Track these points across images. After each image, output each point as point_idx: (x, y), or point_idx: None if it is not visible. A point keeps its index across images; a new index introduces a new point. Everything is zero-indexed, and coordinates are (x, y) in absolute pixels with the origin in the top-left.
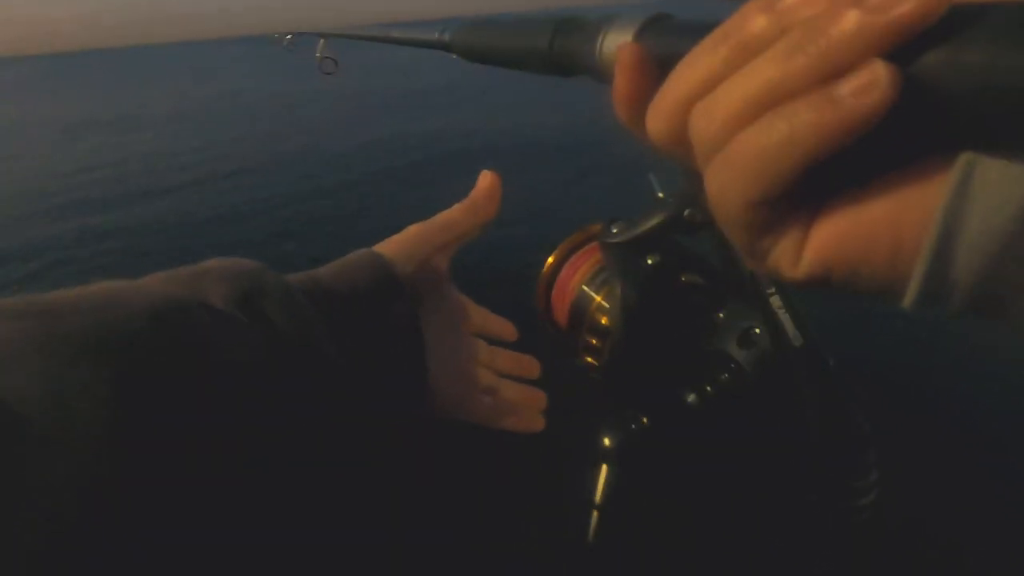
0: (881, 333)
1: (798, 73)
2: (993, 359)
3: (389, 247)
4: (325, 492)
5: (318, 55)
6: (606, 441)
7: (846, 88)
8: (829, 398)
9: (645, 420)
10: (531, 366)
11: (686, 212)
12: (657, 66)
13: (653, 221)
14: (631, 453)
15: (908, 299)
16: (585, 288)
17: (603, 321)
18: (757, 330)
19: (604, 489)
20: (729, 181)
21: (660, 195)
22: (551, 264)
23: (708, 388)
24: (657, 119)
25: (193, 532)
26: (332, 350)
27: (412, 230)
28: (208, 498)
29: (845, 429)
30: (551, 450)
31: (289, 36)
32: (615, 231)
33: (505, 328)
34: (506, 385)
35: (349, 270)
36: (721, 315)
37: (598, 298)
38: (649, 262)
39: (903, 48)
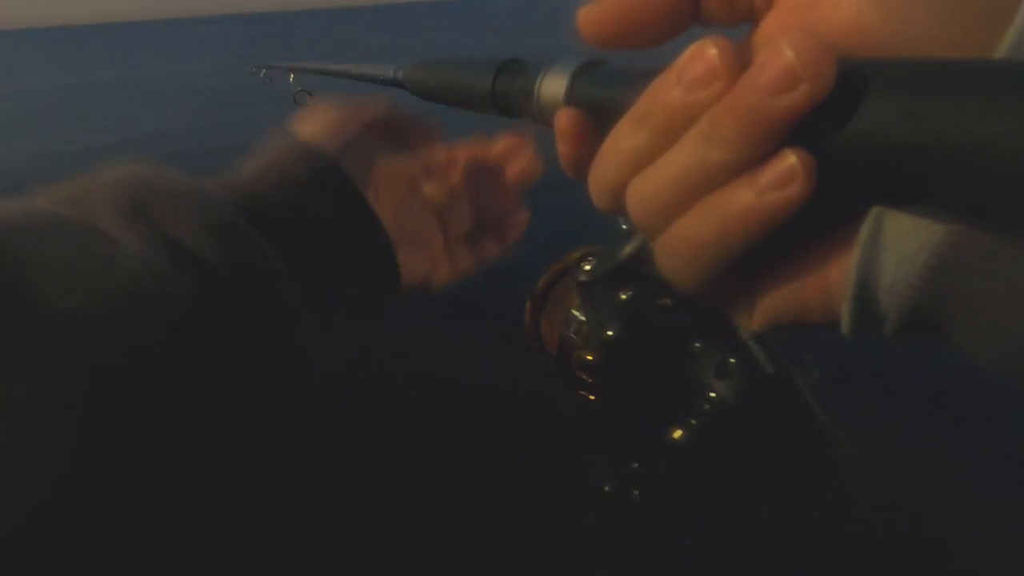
0: (862, 347)
1: (715, 164)
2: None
3: (309, 127)
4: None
5: (294, 88)
6: (606, 488)
7: (765, 181)
8: (807, 422)
9: (636, 465)
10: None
11: (651, 244)
12: (594, 119)
13: (621, 256)
14: (629, 497)
15: (845, 332)
16: (567, 334)
17: (589, 358)
18: (732, 360)
19: (606, 531)
20: (676, 266)
21: (624, 227)
22: (534, 299)
23: (693, 422)
24: (596, 192)
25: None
26: (262, 252)
27: (330, 110)
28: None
29: (826, 452)
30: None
31: (264, 71)
32: (586, 268)
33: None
34: (472, 210)
35: (273, 167)
36: (698, 345)
37: (579, 339)
38: (623, 298)
39: (807, 124)
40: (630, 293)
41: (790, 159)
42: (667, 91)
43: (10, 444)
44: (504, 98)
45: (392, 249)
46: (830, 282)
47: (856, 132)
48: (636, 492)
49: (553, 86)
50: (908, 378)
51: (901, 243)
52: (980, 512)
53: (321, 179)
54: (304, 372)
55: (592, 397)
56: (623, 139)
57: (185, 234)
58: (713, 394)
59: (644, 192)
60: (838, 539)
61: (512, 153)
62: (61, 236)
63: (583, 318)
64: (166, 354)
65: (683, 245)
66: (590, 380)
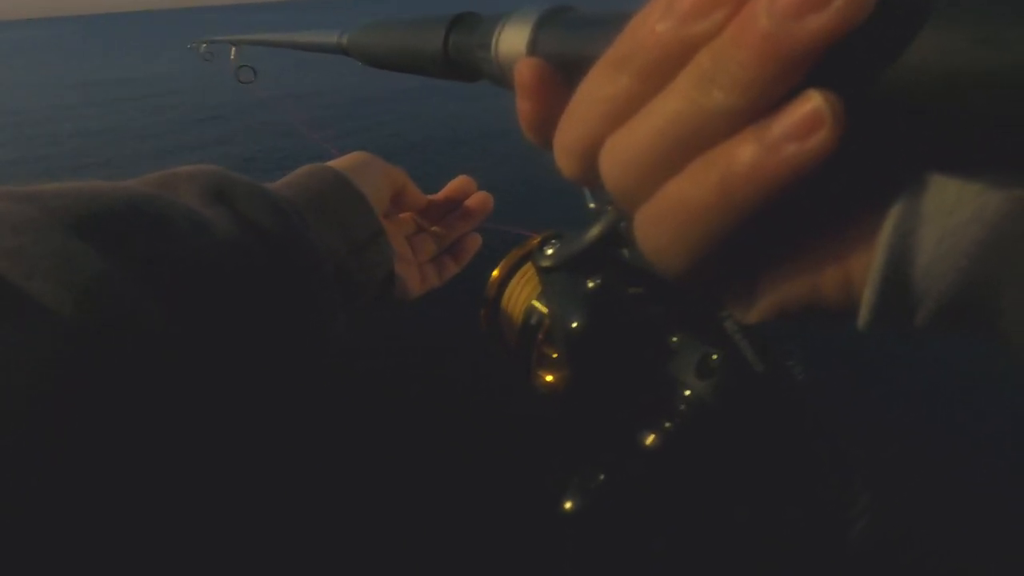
0: (851, 344)
1: (716, 110)
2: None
3: (336, 163)
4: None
5: (236, 65)
6: (567, 505)
7: (781, 129)
8: (800, 425)
9: (602, 477)
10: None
11: (622, 224)
12: (562, 75)
13: (587, 239)
14: (595, 515)
15: (860, 325)
16: (536, 303)
17: (552, 355)
18: (715, 356)
19: (573, 551)
20: (662, 242)
21: (591, 205)
22: (495, 281)
23: (667, 425)
24: (564, 154)
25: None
26: (311, 236)
27: (360, 155)
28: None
29: (822, 455)
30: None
31: (204, 45)
32: (549, 253)
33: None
34: (432, 240)
35: (302, 179)
36: (675, 339)
37: (540, 333)
38: (590, 286)
39: (839, 56)
40: (598, 281)
41: (814, 100)
42: (653, 25)
43: None
44: (458, 57)
45: (390, 246)
46: (852, 262)
47: (906, 64)
48: (602, 508)
49: (514, 38)
50: (899, 374)
51: (946, 213)
52: (976, 512)
53: (340, 188)
54: (329, 331)
55: (554, 396)
56: (598, 87)
57: (254, 214)
58: (692, 394)
59: (624, 150)
60: (828, 543)
61: (464, 191)
62: (171, 204)
63: (545, 309)
64: (245, 304)
65: (672, 213)
66: (552, 378)
